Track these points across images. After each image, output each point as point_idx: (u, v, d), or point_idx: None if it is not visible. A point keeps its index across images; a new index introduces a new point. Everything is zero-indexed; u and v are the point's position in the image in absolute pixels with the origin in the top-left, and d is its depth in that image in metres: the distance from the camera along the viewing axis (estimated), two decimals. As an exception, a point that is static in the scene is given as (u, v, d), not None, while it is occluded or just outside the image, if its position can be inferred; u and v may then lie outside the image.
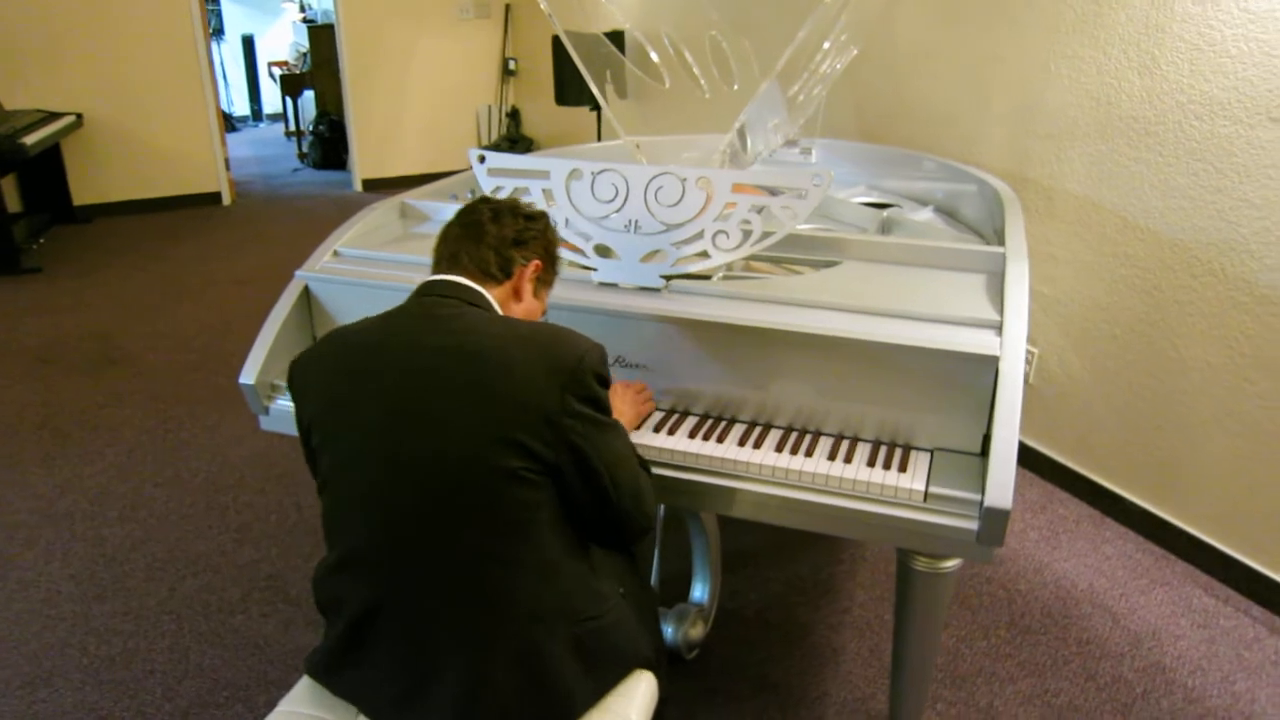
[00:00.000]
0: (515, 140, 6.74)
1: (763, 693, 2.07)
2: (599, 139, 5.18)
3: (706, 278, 1.93)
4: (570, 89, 5.03)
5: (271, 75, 8.56)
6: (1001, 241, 2.19)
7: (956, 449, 1.66)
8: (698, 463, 1.67)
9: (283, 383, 1.93)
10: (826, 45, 2.30)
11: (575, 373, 1.24)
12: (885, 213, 2.54)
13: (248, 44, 9.24)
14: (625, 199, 1.82)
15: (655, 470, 1.68)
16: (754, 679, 2.10)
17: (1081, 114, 2.64)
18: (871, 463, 1.63)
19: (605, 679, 1.37)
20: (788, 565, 2.52)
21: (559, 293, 1.81)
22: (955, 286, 1.81)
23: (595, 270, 1.85)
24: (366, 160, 6.72)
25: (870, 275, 1.87)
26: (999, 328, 1.64)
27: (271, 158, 8.17)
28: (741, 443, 1.69)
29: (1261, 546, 2.37)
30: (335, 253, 2.05)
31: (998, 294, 1.76)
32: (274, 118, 9.66)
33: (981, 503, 1.48)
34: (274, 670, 2.13)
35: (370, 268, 1.99)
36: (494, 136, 6.99)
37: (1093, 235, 2.66)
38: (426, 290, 1.39)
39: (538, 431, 1.22)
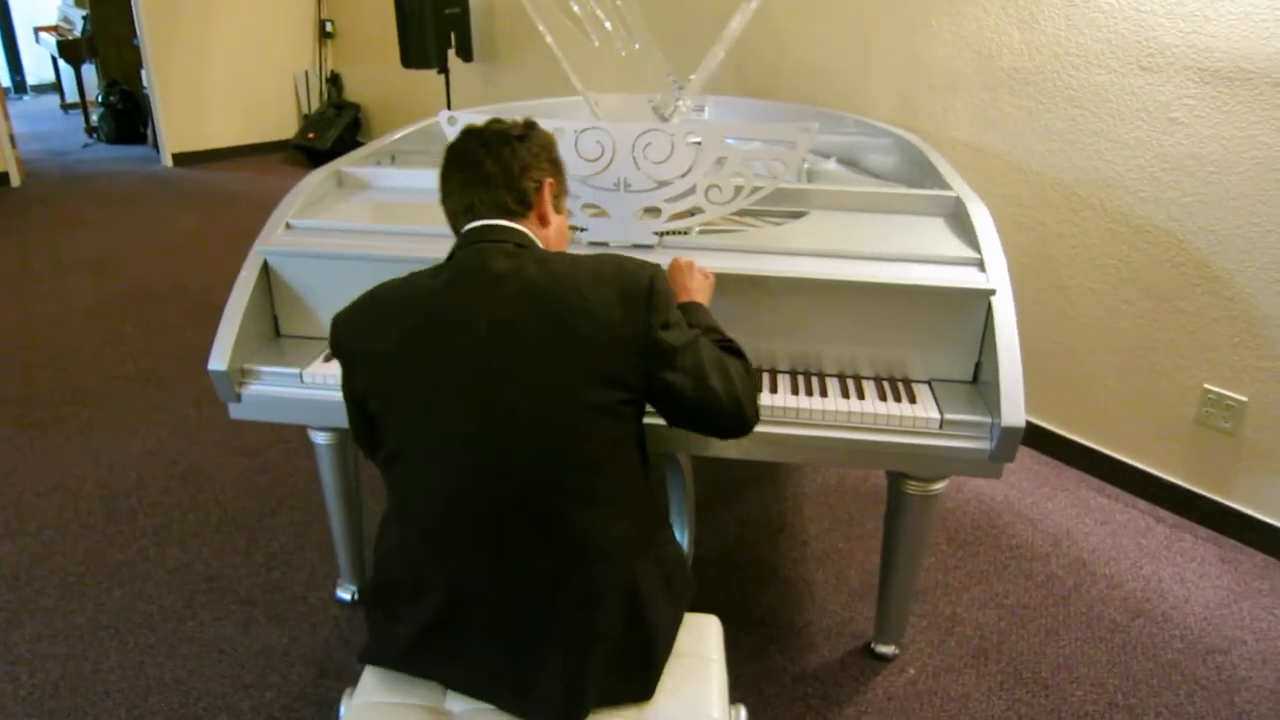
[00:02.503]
0: (340, 107, 6.39)
1: (753, 630, 2.16)
2: (448, 104, 5.03)
3: (684, 233, 1.96)
4: (415, 51, 4.85)
5: (40, 42, 7.63)
6: (924, 186, 2.36)
7: (951, 379, 1.80)
8: (719, 411, 1.72)
9: (256, 367, 1.80)
10: (755, 5, 2.36)
11: (651, 297, 1.25)
12: (805, 165, 2.65)
13: (1, 7, 8.20)
14: (612, 157, 1.82)
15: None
16: (741, 618, 2.19)
17: (964, 66, 2.85)
18: (883, 397, 1.73)
19: (680, 602, 1.40)
20: (737, 508, 2.62)
21: (550, 254, 1.79)
22: (922, 229, 1.94)
23: (585, 230, 1.84)
24: (175, 133, 6.17)
25: (841, 223, 1.96)
26: (980, 264, 1.78)
27: (52, 133, 7.33)
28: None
29: (1140, 448, 2.70)
30: (287, 225, 1.92)
31: (962, 233, 1.91)
32: (42, 89, 8.65)
33: (998, 424, 1.61)
34: (248, 673, 2.00)
35: (328, 238, 1.88)
36: (315, 104, 6.61)
37: (979, 178, 2.89)
38: (471, 239, 1.34)
39: (629, 361, 1.23)
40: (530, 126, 1.44)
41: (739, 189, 1.81)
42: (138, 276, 4.31)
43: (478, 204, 1.35)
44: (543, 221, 1.41)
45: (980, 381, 1.78)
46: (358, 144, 6.54)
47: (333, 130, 6.20)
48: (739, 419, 1.34)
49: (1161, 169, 2.47)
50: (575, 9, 2.60)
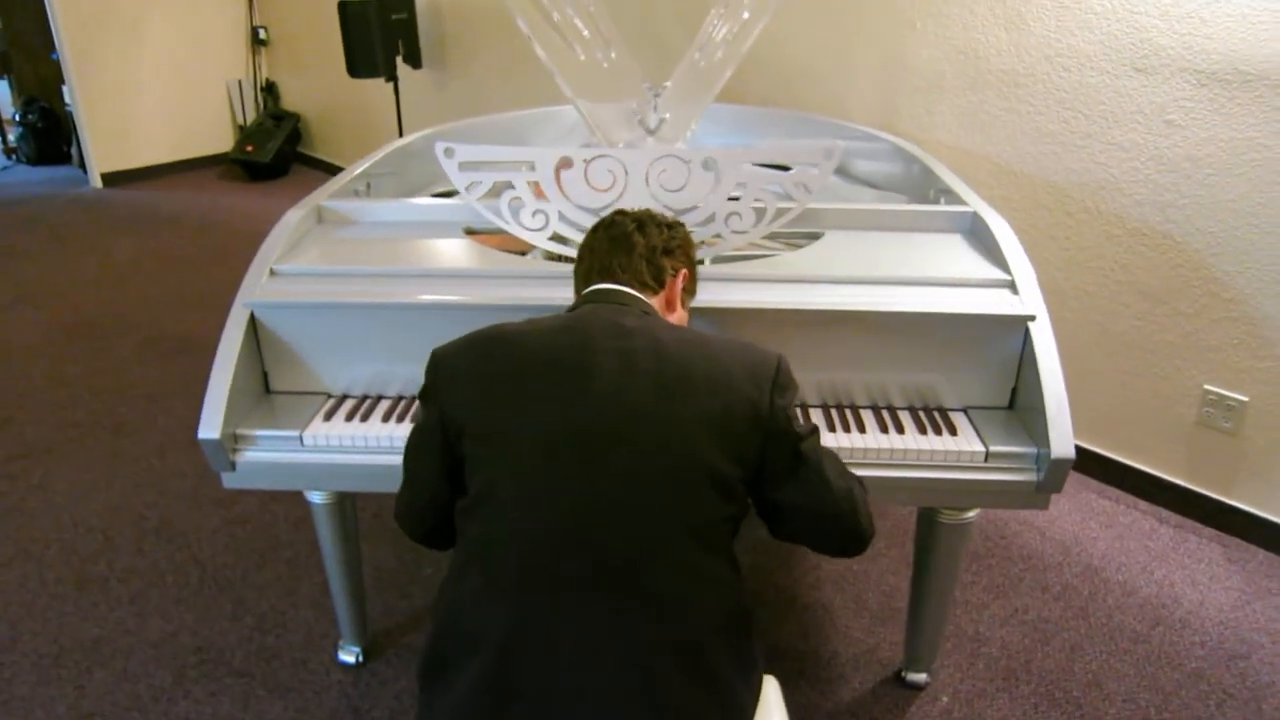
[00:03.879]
0: (280, 117, 6.13)
1: (778, 663, 2.08)
2: (398, 113, 4.84)
3: (700, 262, 1.86)
4: (363, 59, 4.65)
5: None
6: (926, 197, 2.30)
7: (986, 405, 1.74)
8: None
9: (250, 431, 1.66)
10: (746, 15, 2.27)
11: (778, 377, 1.23)
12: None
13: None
14: (625, 186, 1.72)
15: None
16: (764, 651, 2.11)
17: (950, 68, 2.80)
18: (922, 430, 1.66)
19: (755, 688, 1.32)
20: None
21: (564, 293, 1.69)
22: (943, 248, 1.87)
23: (599, 265, 1.74)
24: (103, 151, 5.85)
25: (861, 244, 1.88)
26: (1012, 285, 1.72)
27: (-35, 153, 6.93)
28: (793, 428, 1.67)
29: (1141, 449, 2.69)
30: (272, 272, 1.78)
31: (986, 252, 1.85)
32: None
33: (1046, 454, 1.56)
34: (251, 754, 1.87)
35: (318, 284, 1.75)
36: (251, 114, 6.34)
37: (967, 182, 2.84)
38: (598, 298, 1.36)
39: (750, 436, 1.20)
40: (679, 223, 1.51)
41: (760, 214, 1.73)
42: (77, 310, 4.06)
43: (617, 268, 1.39)
44: (669, 306, 1.43)
45: (1018, 407, 1.72)
46: (299, 155, 6.31)
47: (273, 142, 5.94)
48: (854, 528, 1.29)
49: (1158, 171, 2.45)
50: (555, 17, 2.49)
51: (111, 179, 5.91)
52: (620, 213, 1.48)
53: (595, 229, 1.47)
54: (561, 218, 1.73)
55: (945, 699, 2.01)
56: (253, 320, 1.72)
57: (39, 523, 2.59)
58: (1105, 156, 2.54)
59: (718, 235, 1.73)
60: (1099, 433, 2.77)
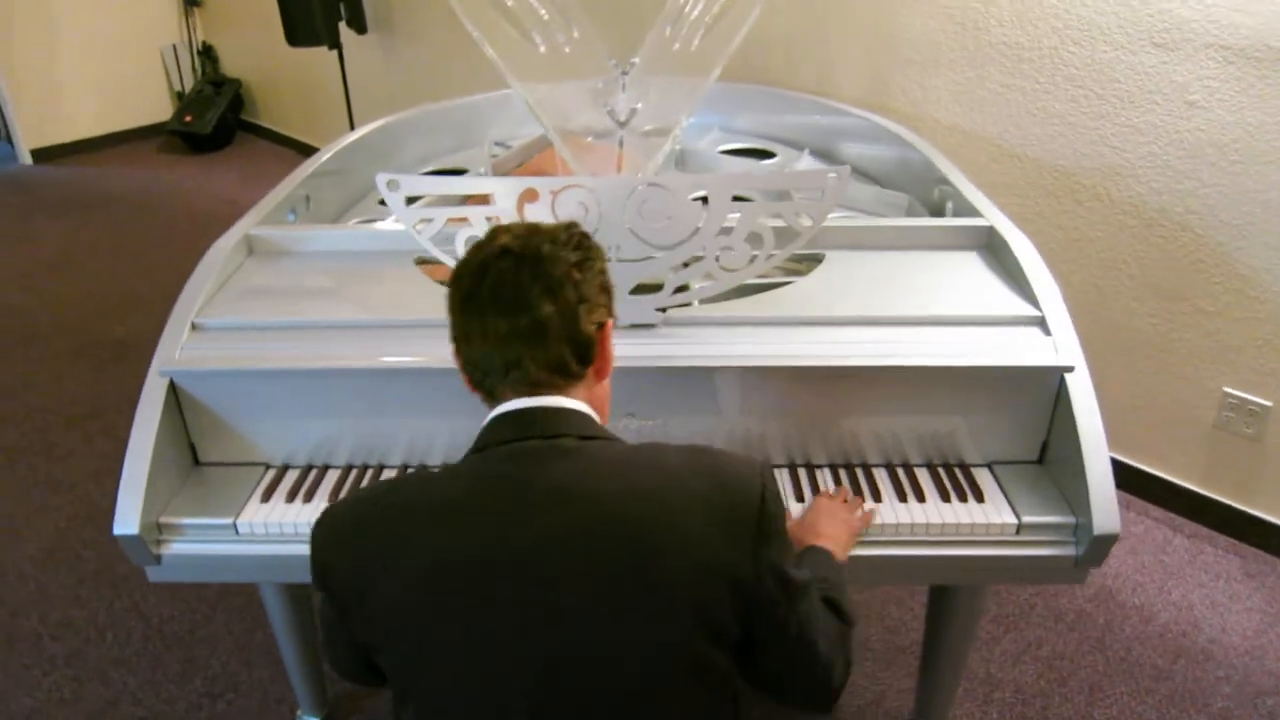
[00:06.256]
0: (219, 84, 5.72)
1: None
2: (344, 81, 4.50)
3: (685, 288, 1.63)
4: (302, 26, 4.30)
5: None
6: (929, 195, 2.08)
7: (1013, 459, 1.55)
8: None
9: (176, 520, 1.44)
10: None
11: (761, 521, 0.95)
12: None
13: None
14: (600, 220, 1.48)
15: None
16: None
17: (946, 39, 2.55)
18: (944, 495, 1.47)
19: None
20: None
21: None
22: (960, 271, 1.65)
23: (571, 312, 1.51)
24: (31, 126, 5.44)
25: (867, 270, 1.66)
26: (1043, 323, 1.52)
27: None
28: (799, 497, 1.47)
29: (1154, 453, 2.53)
30: (193, 326, 1.54)
31: (1008, 276, 1.64)
32: None
33: (1089, 526, 1.37)
34: None
35: (249, 343, 1.51)
36: (189, 81, 5.92)
37: (964, 164, 2.60)
38: (513, 434, 0.98)
39: (727, 603, 0.94)
40: (584, 238, 1.05)
41: (758, 245, 1.50)
42: (5, 308, 3.76)
43: (527, 362, 0.97)
44: (599, 375, 1.06)
45: (1048, 461, 1.53)
46: (242, 123, 5.93)
47: (213, 111, 5.54)
48: (824, 691, 1.07)
49: (1178, 157, 2.24)
50: (509, 2, 2.21)
51: (42, 155, 5.51)
52: (506, 253, 0.99)
53: (474, 289, 0.99)
54: (527, 258, 1.50)
55: (960, 755, 1.87)
56: (173, 387, 1.48)
57: (-37, 573, 2.36)
58: (1119, 140, 2.32)
59: (708, 275, 1.50)
60: (1109, 436, 2.60)
